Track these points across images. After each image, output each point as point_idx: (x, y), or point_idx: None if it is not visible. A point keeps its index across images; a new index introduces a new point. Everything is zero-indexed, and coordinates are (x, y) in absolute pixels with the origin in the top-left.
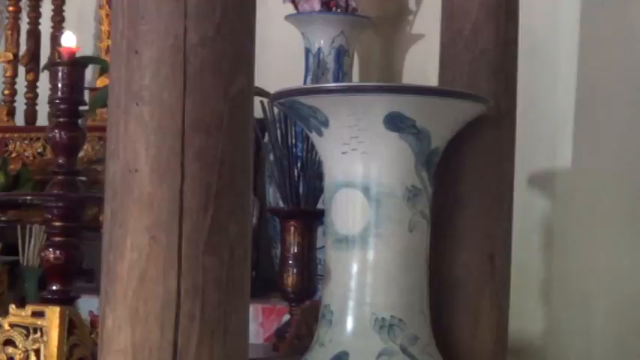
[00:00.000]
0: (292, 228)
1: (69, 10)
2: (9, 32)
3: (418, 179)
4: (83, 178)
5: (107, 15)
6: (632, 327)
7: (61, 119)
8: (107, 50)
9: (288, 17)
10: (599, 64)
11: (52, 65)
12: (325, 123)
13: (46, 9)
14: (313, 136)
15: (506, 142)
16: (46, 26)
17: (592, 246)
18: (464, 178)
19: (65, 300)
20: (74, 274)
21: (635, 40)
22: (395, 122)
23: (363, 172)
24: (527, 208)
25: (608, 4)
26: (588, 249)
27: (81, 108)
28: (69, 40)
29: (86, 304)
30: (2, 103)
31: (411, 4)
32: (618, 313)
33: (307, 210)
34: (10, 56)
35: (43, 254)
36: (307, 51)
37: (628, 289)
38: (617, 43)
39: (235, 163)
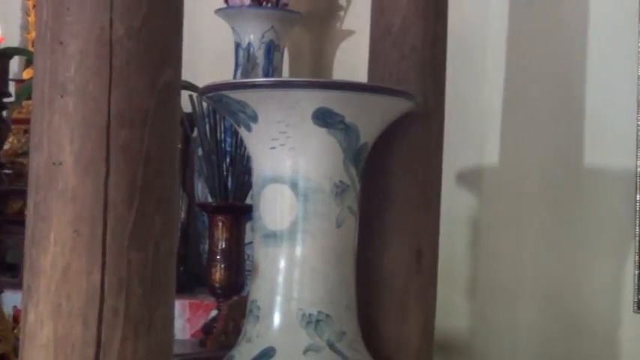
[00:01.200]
0: (220, 223)
1: None
2: None
3: (346, 175)
4: (8, 171)
5: (34, 6)
6: (557, 322)
7: None
8: (34, 42)
9: (218, 11)
10: (527, 63)
11: None
12: (254, 118)
13: None
14: (242, 131)
15: (434, 139)
16: None
17: (518, 242)
18: (392, 174)
19: None
20: None
21: (561, 40)
22: (323, 118)
23: (291, 167)
24: (455, 205)
25: (536, 4)
26: (514, 245)
27: (6, 100)
28: None
29: (10, 299)
30: None
31: (342, 1)
32: (544, 309)
33: (235, 205)
34: None
35: None
36: (237, 45)
37: (553, 284)
38: (544, 42)
39: (161, 156)
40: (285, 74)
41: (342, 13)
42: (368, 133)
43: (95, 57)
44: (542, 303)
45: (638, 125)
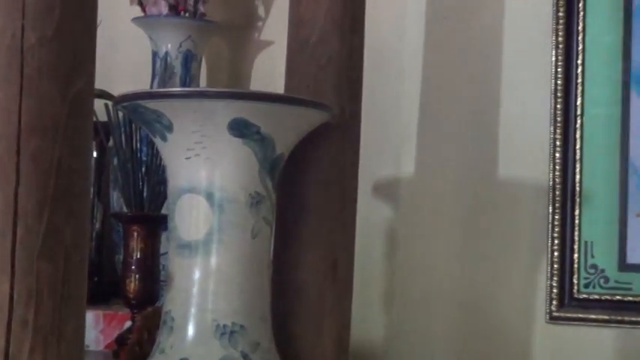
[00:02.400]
0: (135, 233)
1: None
2: None
3: (262, 185)
4: None
5: None
6: (472, 332)
7: None
8: None
9: (135, 20)
10: (443, 75)
11: None
12: (169, 128)
13: None
14: (157, 140)
15: (350, 150)
16: None
17: (434, 253)
18: (308, 185)
19: None
20: None
21: (476, 53)
22: (239, 128)
23: (207, 177)
24: (371, 215)
25: (452, 18)
26: (430, 256)
27: None
28: None
29: None
30: None
31: (260, 11)
32: (459, 319)
33: (151, 215)
34: None
35: None
36: (154, 54)
37: (468, 295)
38: (459, 55)
39: (73, 166)
40: (203, 84)
41: (260, 23)
42: (284, 143)
43: (6, 65)
44: (458, 313)
45: (551, 138)
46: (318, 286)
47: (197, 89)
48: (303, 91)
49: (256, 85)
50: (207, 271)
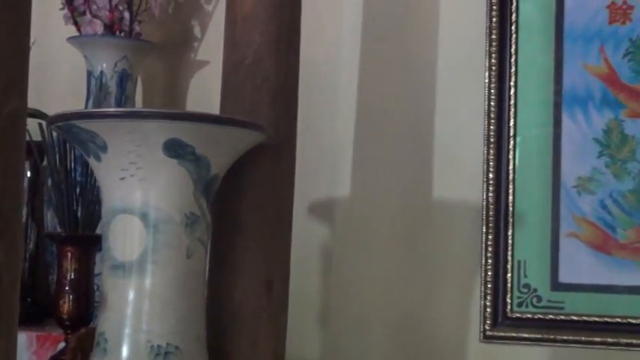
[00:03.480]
0: (69, 254)
1: None
2: None
3: (197, 206)
4: None
5: None
6: (408, 351)
7: None
8: None
9: (70, 39)
10: (378, 96)
11: None
12: (104, 148)
13: None
14: (91, 161)
15: (286, 170)
16: None
17: (369, 272)
18: (244, 205)
19: None
20: None
21: (411, 74)
22: (174, 148)
23: (141, 198)
24: (307, 235)
25: (387, 39)
26: (366, 275)
27: None
28: None
29: None
30: None
31: (196, 31)
32: (394, 338)
33: (85, 235)
34: None
35: None
36: (89, 74)
37: (404, 314)
38: (394, 76)
39: (4, 186)
40: (139, 104)
41: (196, 43)
42: (219, 164)
43: None
44: (393, 332)
45: (485, 159)
46: (253, 306)
47: (131, 109)
48: (238, 111)
49: (192, 105)
50: (142, 292)
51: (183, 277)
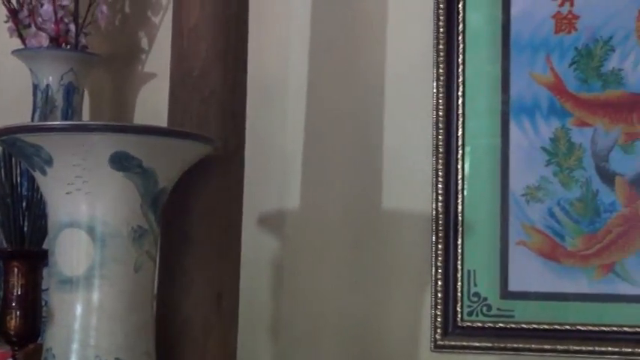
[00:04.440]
0: (16, 269)
1: None
2: None
3: (144, 219)
4: None
5: None
6: None
7: None
8: None
9: (15, 52)
10: (327, 107)
11: None
12: (49, 162)
13: None
14: (37, 175)
15: (234, 182)
16: None
17: (320, 283)
18: (192, 218)
19: None
20: None
21: (359, 85)
22: (120, 162)
23: (88, 212)
24: (258, 248)
25: (335, 51)
26: (316, 287)
27: None
28: None
29: None
30: None
31: (143, 43)
32: (345, 349)
33: (31, 250)
34: None
35: None
36: (35, 87)
37: (355, 325)
38: (343, 86)
39: None
40: (86, 117)
41: (143, 56)
42: (166, 177)
43: None
44: (344, 343)
45: (433, 169)
46: (203, 318)
47: (77, 122)
48: (186, 124)
49: (140, 118)
50: (89, 307)
51: (132, 292)
